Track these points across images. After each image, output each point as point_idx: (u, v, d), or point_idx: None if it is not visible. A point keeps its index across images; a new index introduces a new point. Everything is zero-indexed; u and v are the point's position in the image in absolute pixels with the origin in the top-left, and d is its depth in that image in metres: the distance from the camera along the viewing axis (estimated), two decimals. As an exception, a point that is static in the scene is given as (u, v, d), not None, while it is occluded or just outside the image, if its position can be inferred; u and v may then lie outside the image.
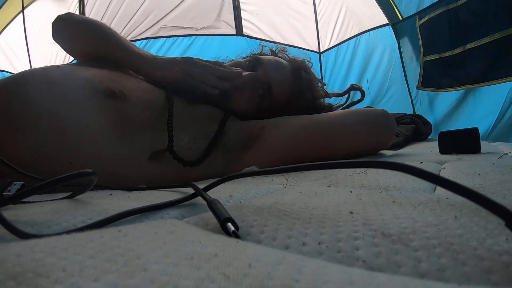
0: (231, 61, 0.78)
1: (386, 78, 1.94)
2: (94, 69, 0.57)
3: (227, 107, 0.67)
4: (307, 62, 0.81)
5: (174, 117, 0.57)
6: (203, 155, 0.57)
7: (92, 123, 0.49)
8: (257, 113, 0.71)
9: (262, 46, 0.86)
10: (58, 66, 0.54)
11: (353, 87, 0.83)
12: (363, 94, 0.83)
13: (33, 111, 0.46)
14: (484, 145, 0.75)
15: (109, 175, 0.49)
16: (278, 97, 0.72)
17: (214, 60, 0.74)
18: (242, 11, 2.25)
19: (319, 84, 0.81)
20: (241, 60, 0.76)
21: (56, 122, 0.47)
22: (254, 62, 0.72)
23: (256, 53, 0.83)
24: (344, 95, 0.84)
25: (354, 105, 0.84)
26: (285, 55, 0.82)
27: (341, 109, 0.83)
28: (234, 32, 2.23)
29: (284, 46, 0.90)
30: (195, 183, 0.39)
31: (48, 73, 0.51)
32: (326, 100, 0.83)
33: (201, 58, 0.69)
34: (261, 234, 0.21)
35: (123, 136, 0.51)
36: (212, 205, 0.24)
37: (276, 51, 0.84)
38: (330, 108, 0.81)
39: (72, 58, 2.34)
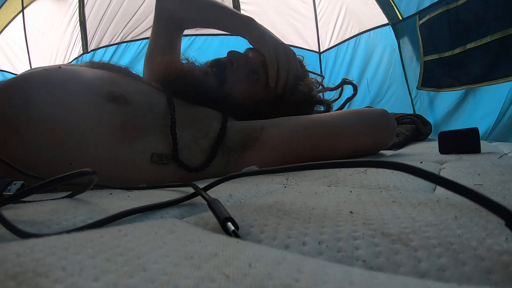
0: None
1: (386, 78, 1.93)
2: (96, 70, 0.58)
3: (224, 91, 0.68)
4: (300, 57, 0.83)
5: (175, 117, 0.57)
6: (208, 160, 0.57)
7: (93, 126, 0.49)
8: (254, 104, 0.71)
9: None
10: (60, 66, 0.54)
11: (345, 82, 0.84)
12: (355, 88, 0.84)
13: (33, 113, 0.46)
14: (484, 145, 0.75)
15: (109, 177, 0.48)
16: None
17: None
18: (242, 11, 2.24)
19: (316, 77, 0.82)
20: None
21: (56, 124, 0.47)
22: (247, 51, 0.76)
23: None
24: (336, 89, 0.85)
25: (349, 101, 0.85)
26: None
27: (339, 106, 0.83)
28: (234, 32, 2.23)
29: None
30: (195, 182, 0.39)
31: (49, 75, 0.51)
32: (321, 95, 0.84)
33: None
34: (261, 233, 0.21)
35: (124, 139, 0.51)
36: (212, 205, 0.24)
37: None
38: (328, 104, 0.81)
39: (72, 58, 2.32)
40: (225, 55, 0.77)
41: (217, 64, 0.72)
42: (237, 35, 0.78)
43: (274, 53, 0.71)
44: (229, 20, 0.78)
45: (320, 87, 0.83)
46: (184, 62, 0.71)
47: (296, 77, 0.74)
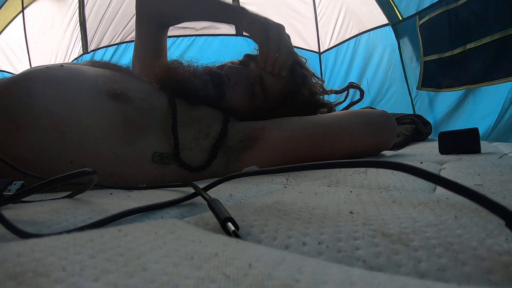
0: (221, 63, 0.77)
1: (386, 78, 1.94)
2: (97, 69, 0.57)
3: (223, 104, 0.67)
4: (302, 59, 0.80)
5: (176, 117, 0.57)
6: (209, 159, 0.57)
7: (94, 123, 0.49)
8: (254, 111, 0.70)
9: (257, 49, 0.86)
10: (62, 65, 0.54)
11: (352, 85, 0.83)
12: (362, 93, 0.83)
13: (34, 110, 0.46)
14: (484, 145, 0.75)
15: (110, 175, 0.49)
16: (272, 91, 0.70)
17: (211, 64, 0.74)
18: (242, 11, 2.24)
19: (317, 80, 0.80)
20: (234, 61, 0.76)
21: (57, 121, 0.47)
22: (246, 59, 0.72)
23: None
24: (342, 92, 0.83)
25: (354, 104, 0.83)
26: None
27: (342, 108, 0.83)
28: (234, 32, 2.23)
29: None
30: (195, 182, 0.39)
31: (51, 72, 0.51)
32: (326, 97, 0.83)
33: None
34: (261, 233, 0.21)
35: (125, 136, 0.51)
36: (212, 205, 0.24)
37: None
38: (331, 107, 0.80)
39: (72, 58, 2.31)
40: (226, 55, 0.76)
41: (214, 78, 0.69)
42: (228, 23, 0.78)
43: (265, 37, 0.67)
44: (218, 9, 0.75)
45: (322, 90, 0.82)
46: (185, 65, 0.69)
47: (289, 53, 0.70)
